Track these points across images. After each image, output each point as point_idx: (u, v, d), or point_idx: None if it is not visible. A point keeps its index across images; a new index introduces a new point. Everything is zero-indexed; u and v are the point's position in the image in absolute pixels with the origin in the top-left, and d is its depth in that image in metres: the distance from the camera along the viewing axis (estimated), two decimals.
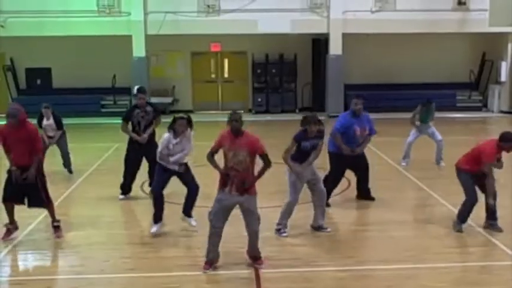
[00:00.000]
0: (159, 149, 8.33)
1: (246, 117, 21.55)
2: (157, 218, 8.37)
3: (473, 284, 6.76)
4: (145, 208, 9.52)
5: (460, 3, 20.85)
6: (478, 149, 8.19)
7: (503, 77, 22.22)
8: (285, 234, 8.25)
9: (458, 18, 21.03)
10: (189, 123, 8.34)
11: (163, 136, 8.35)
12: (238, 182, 6.84)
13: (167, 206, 8.68)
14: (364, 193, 10.04)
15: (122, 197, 10.29)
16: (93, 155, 14.36)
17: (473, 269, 7.23)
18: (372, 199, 9.98)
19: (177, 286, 6.75)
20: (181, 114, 8.45)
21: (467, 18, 21.04)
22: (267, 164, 6.92)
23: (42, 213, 8.62)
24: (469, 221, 8.75)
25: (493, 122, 20.95)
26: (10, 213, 8.19)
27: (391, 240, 8.20)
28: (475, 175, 8.16)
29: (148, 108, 10.14)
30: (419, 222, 9.05)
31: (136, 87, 10.23)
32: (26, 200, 8.12)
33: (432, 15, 20.74)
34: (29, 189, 8.00)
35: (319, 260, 7.47)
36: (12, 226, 8.24)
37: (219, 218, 6.92)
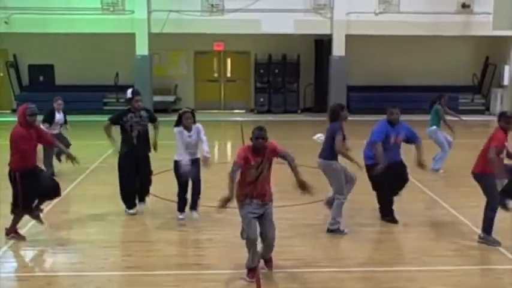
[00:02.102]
0: (178, 144, 8.57)
1: (248, 117, 21.80)
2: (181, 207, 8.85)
3: (474, 287, 6.74)
4: (146, 206, 9.52)
5: (464, 6, 20.81)
6: (487, 142, 7.93)
7: (506, 81, 22.21)
8: (347, 230, 8.42)
9: (462, 21, 21.00)
10: (193, 116, 8.75)
11: (174, 132, 8.62)
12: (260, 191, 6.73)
13: (166, 204, 8.68)
14: (388, 213, 9.10)
15: (132, 211, 9.35)
16: (94, 152, 14.32)
17: (474, 272, 7.21)
18: (395, 222, 8.99)
19: (176, 285, 6.74)
20: (184, 109, 8.92)
21: (471, 21, 21.01)
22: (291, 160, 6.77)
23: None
24: (469, 224, 8.77)
25: (496, 126, 20.89)
26: (19, 220, 8.17)
27: (392, 242, 8.20)
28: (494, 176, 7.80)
29: (144, 113, 9.14)
30: (421, 225, 8.98)
31: (130, 90, 9.37)
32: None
33: (436, 17, 20.72)
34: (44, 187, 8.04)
35: (319, 261, 7.46)
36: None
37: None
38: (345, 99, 21.43)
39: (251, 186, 6.66)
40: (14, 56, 22.64)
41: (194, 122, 8.75)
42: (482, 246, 7.90)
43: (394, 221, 8.92)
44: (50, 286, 6.76)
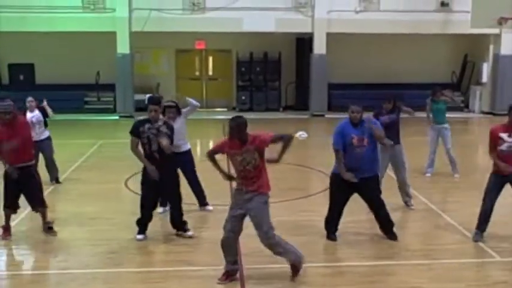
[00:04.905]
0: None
1: (230, 115, 21.64)
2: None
3: (453, 280, 6.88)
4: (129, 204, 9.56)
5: (443, 4, 21.05)
6: None
7: (485, 78, 22.51)
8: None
9: (441, 19, 21.23)
10: (178, 110, 9.11)
11: None
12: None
13: None
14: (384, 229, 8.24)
15: (140, 237, 8.11)
16: (76, 151, 14.32)
17: (453, 266, 7.33)
18: (394, 238, 8.14)
19: (161, 281, 6.80)
20: (169, 103, 9.12)
21: (450, 19, 21.24)
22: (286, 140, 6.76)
23: (26, 208, 8.56)
24: (448, 219, 8.93)
25: (474, 123, 21.23)
26: (8, 218, 8.20)
27: (373, 237, 8.27)
28: (500, 175, 7.69)
29: (163, 129, 7.81)
30: (400, 220, 9.10)
31: (147, 96, 9.01)
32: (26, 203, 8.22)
33: (415, 16, 20.91)
34: (30, 190, 8.01)
35: None
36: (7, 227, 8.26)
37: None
38: (326, 97, 21.63)
39: (242, 174, 6.67)
40: None
41: (179, 114, 9.13)
42: (461, 240, 8.04)
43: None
44: (35, 284, 6.79)
